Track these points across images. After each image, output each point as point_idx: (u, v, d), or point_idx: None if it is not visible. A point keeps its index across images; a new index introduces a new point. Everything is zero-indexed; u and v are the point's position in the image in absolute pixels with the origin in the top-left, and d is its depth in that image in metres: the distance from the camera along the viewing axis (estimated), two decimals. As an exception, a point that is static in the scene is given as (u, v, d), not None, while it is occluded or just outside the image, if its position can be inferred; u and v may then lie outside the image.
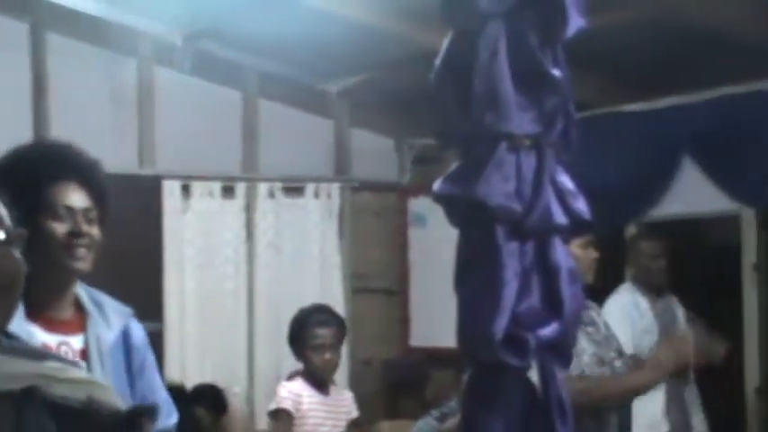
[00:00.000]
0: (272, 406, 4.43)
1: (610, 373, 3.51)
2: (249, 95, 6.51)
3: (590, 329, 3.57)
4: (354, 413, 4.64)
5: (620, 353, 3.58)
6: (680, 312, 5.44)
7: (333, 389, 4.57)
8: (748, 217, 5.86)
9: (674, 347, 3.55)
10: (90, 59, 6.08)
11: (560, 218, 1.98)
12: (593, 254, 4.04)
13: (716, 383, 5.32)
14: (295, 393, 4.43)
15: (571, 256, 2.05)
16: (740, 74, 5.63)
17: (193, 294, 6.26)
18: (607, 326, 3.68)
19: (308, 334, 4.47)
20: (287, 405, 4.39)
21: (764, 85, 5.63)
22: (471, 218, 1.96)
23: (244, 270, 6.38)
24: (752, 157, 5.70)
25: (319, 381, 4.46)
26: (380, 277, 7.01)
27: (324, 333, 4.47)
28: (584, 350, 3.51)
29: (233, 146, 6.44)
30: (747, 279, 5.87)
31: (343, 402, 4.59)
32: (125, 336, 2.29)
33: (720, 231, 6.40)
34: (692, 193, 5.98)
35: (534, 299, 1.95)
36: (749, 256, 5.86)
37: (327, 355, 4.45)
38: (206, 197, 6.35)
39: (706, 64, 5.57)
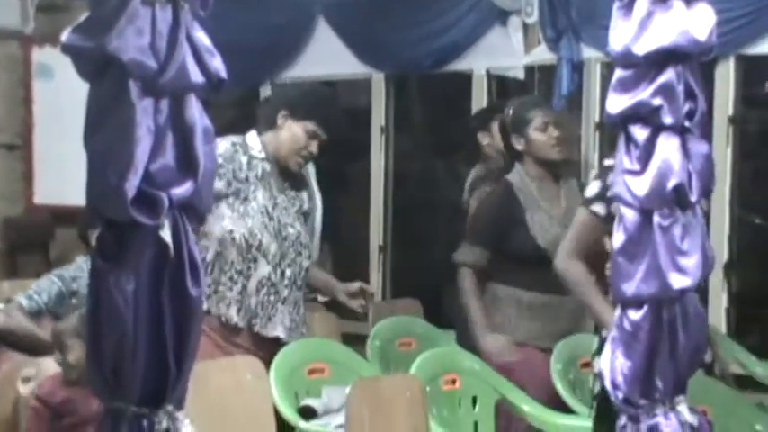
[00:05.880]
0: None
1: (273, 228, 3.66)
2: None
3: (285, 197, 3.72)
4: None
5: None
6: (311, 170, 5.54)
7: None
8: (378, 81, 6.06)
9: None
10: None
11: (196, 76, 1.94)
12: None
13: (342, 242, 5.53)
14: None
15: (206, 115, 2.01)
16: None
17: None
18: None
19: None
20: None
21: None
22: (103, 72, 1.87)
23: None
24: (382, 22, 5.87)
25: None
26: (1, 132, 6.65)
27: None
28: (256, 199, 3.65)
29: None
30: (375, 141, 6.10)
31: None
32: None
33: (352, 93, 6.58)
34: (326, 56, 6.08)
35: (168, 157, 1.91)
36: (378, 119, 6.08)
37: None
38: None
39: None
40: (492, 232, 4.22)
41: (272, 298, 3.69)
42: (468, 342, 4.39)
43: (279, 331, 3.73)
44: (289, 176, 3.79)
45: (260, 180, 3.70)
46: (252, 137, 3.76)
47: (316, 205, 5.52)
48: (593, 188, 3.31)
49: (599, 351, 3.26)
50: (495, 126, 4.90)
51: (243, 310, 3.66)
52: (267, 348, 3.71)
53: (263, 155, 3.72)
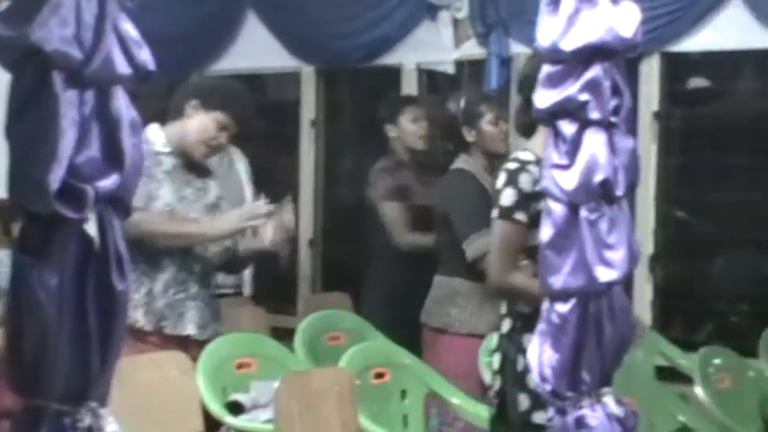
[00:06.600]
0: None
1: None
2: None
3: (191, 189, 3.61)
4: None
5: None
6: (242, 165, 5.52)
7: None
8: (308, 74, 6.04)
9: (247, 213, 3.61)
10: None
11: (123, 67, 1.91)
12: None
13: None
14: None
15: (132, 107, 1.98)
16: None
17: None
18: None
19: None
20: None
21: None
22: (25, 62, 1.83)
23: None
24: (312, 16, 5.85)
25: None
26: None
27: None
28: (161, 197, 3.55)
29: None
30: (305, 135, 6.09)
31: None
32: None
33: (281, 87, 6.56)
34: (256, 49, 6.05)
35: (94, 150, 1.88)
36: (308, 112, 6.07)
37: None
38: None
39: None
40: (480, 213, 4.09)
41: (180, 296, 3.58)
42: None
43: (190, 329, 3.62)
44: (194, 167, 3.69)
45: (166, 175, 3.60)
46: (153, 130, 3.62)
47: (244, 201, 5.49)
48: (508, 196, 3.14)
49: (498, 347, 3.25)
50: (402, 119, 4.96)
51: (150, 312, 3.55)
52: (176, 348, 3.60)
53: (167, 149, 3.62)
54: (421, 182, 5.00)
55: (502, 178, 3.19)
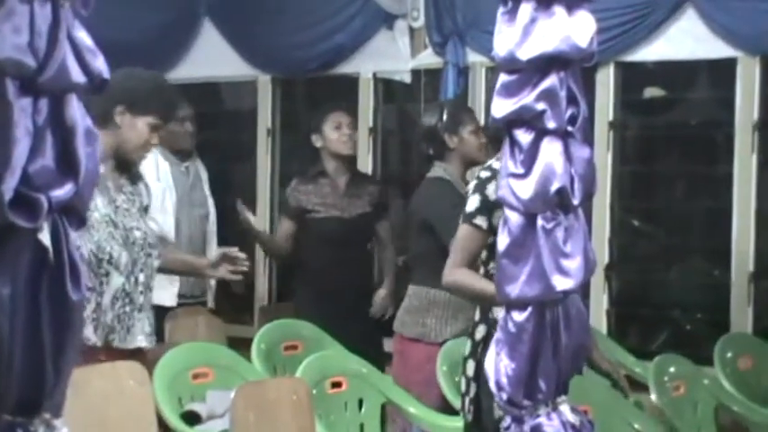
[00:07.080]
0: None
1: (120, 236, 3.50)
2: None
3: (124, 196, 3.55)
4: None
5: (145, 231, 3.59)
6: (204, 176, 5.50)
7: None
8: (264, 83, 6.03)
9: None
10: None
11: (78, 75, 1.89)
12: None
13: (228, 244, 5.48)
14: None
15: (88, 116, 1.96)
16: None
17: None
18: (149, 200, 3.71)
19: None
20: None
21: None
22: (-20, 71, 1.82)
23: None
24: (269, 25, 5.84)
25: None
26: None
27: None
28: (97, 208, 3.48)
29: None
30: (262, 143, 6.08)
31: None
32: None
33: (238, 96, 6.54)
34: (212, 57, 6.03)
35: (48, 158, 1.86)
36: (264, 121, 6.06)
37: None
38: None
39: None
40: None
41: (127, 309, 3.48)
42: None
43: (139, 341, 3.53)
44: (124, 171, 3.62)
45: (96, 185, 3.50)
46: None
47: (209, 210, 5.48)
48: (473, 202, 3.27)
49: (472, 354, 3.26)
50: (325, 127, 5.00)
51: (99, 327, 3.44)
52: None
53: None
54: (348, 193, 5.03)
55: (472, 185, 3.32)
